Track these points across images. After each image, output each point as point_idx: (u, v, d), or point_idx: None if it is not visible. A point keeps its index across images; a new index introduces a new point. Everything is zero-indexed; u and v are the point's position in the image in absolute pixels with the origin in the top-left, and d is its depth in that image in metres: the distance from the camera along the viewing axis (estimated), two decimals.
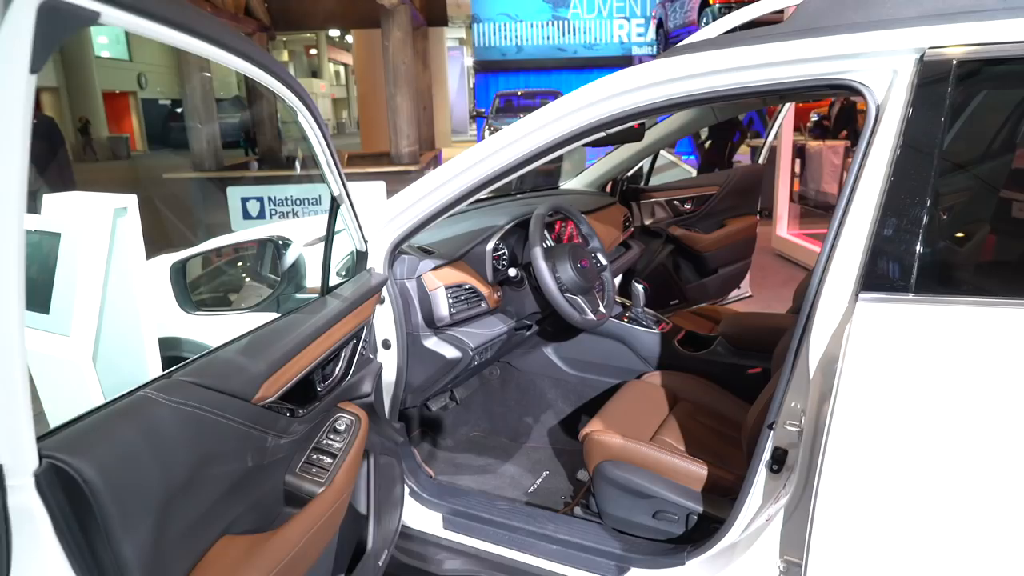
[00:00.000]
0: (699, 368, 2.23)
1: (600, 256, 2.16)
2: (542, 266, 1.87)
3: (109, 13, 0.68)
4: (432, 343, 1.84)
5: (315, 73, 37.56)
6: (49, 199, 1.92)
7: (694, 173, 5.19)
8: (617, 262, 2.78)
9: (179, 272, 1.37)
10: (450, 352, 1.84)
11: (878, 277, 1.22)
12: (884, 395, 1.17)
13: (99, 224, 1.75)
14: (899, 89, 1.26)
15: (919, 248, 1.19)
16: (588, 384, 2.42)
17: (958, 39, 1.21)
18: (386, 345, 1.79)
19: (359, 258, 1.67)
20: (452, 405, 2.50)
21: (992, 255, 1.30)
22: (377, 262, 1.74)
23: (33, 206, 1.96)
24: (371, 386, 1.52)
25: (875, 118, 1.28)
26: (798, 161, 5.95)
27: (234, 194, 4.73)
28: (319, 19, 7.64)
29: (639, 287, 2.36)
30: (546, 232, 2.29)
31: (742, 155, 8.29)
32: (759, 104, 2.92)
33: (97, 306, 1.73)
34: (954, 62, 1.21)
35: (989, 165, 1.31)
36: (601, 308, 2.05)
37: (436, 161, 11.64)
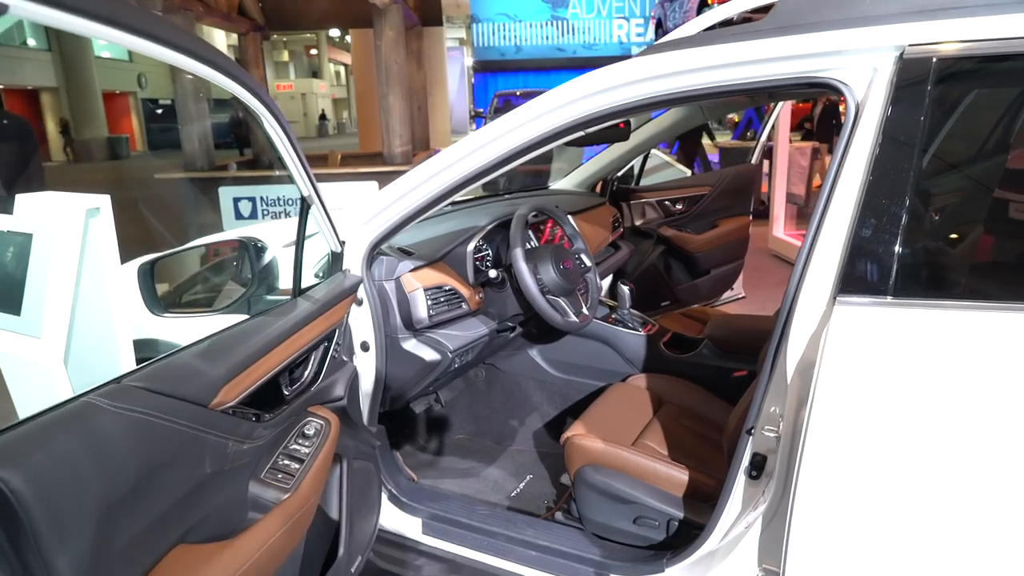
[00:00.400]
0: (685, 371, 2.20)
1: (584, 257, 2.13)
2: (523, 267, 1.84)
3: (18, 4, 0.65)
4: (411, 345, 1.82)
5: (315, 73, 37.56)
6: (22, 199, 1.89)
7: (688, 173, 5.17)
8: (605, 263, 2.75)
9: (146, 274, 1.35)
10: (429, 354, 1.81)
11: (856, 279, 1.19)
12: (861, 401, 1.14)
13: (71, 224, 1.73)
14: (879, 87, 1.23)
15: (898, 250, 1.16)
16: (573, 386, 2.40)
17: (939, 36, 1.18)
18: (364, 347, 1.76)
19: (334, 259, 1.64)
20: (437, 407, 2.47)
21: (973, 257, 1.27)
22: (354, 263, 1.71)
23: (5, 207, 1.94)
24: (344, 390, 1.50)
25: (855, 116, 1.26)
26: (766, 163, 5.93)
27: (226, 194, 4.70)
28: (313, 19, 7.62)
29: (625, 289, 2.33)
30: (531, 233, 2.26)
31: (710, 155, 8.25)
32: (748, 103, 2.89)
33: (69, 308, 1.70)
34: (934, 59, 1.18)
35: (970, 165, 1.29)
36: (584, 310, 2.03)
37: None
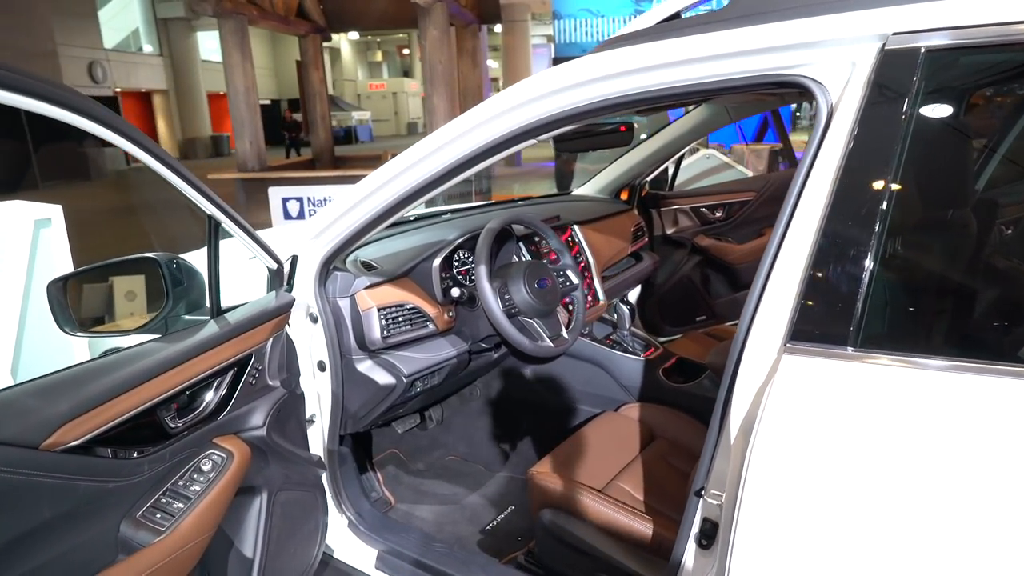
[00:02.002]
0: (683, 402, 1.98)
1: (571, 274, 1.95)
2: (485, 286, 1.68)
3: None
4: (365, 367, 1.70)
5: (407, 72, 38.38)
6: None
7: (749, 174, 4.82)
8: (622, 276, 2.54)
9: (59, 290, 1.29)
10: (383, 378, 1.69)
11: (811, 324, 0.97)
12: (802, 473, 0.93)
13: (18, 236, 1.72)
14: (855, 87, 1.00)
15: (863, 291, 0.94)
16: (568, 411, 2.22)
17: (930, 21, 0.95)
18: (321, 367, 1.66)
19: (271, 277, 1.54)
20: (430, 426, 2.35)
21: (955, 305, 1.01)
22: (306, 280, 1.62)
23: None
24: (263, 418, 1.39)
25: (825, 124, 1.03)
26: None
27: (275, 194, 4.79)
28: (372, 19, 7.66)
29: (624, 308, 2.13)
30: (522, 247, 2.10)
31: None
32: (760, 107, 2.60)
33: (15, 323, 1.70)
34: (923, 51, 0.95)
35: (961, 189, 1.03)
36: (564, 333, 1.84)
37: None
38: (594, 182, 2.88)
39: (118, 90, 21.83)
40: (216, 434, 1.29)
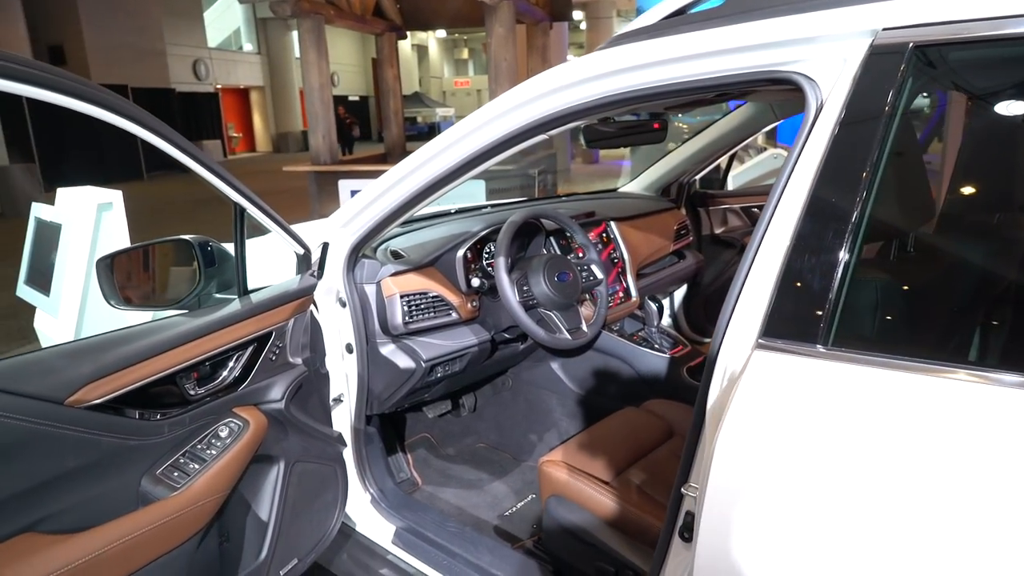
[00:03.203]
0: None
1: (595, 269, 1.97)
2: (503, 277, 1.73)
3: None
4: (388, 351, 1.78)
5: None
6: (62, 192, 2.12)
7: None
8: (661, 273, 2.53)
9: (107, 267, 1.42)
10: (403, 361, 1.77)
11: (783, 320, 0.97)
12: (762, 465, 0.93)
13: (83, 218, 1.90)
14: (843, 84, 1.00)
15: (835, 289, 0.93)
16: (594, 404, 2.23)
17: (921, 15, 0.93)
18: (349, 349, 1.76)
19: (299, 261, 1.65)
20: (463, 413, 2.42)
21: (931, 306, 0.98)
22: (336, 266, 1.71)
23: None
24: (282, 392, 1.49)
25: (812, 121, 1.03)
26: None
27: (344, 186, 4.99)
28: (447, 17, 7.79)
29: (652, 305, 2.12)
30: (553, 241, 2.13)
31: None
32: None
33: (80, 293, 1.88)
34: (910, 47, 0.93)
35: (942, 188, 1.00)
36: (583, 327, 1.87)
37: None
38: (640, 179, 2.87)
39: (219, 86, 23.13)
40: (236, 404, 1.40)
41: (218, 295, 1.51)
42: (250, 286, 1.52)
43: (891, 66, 0.93)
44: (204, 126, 21.70)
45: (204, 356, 1.30)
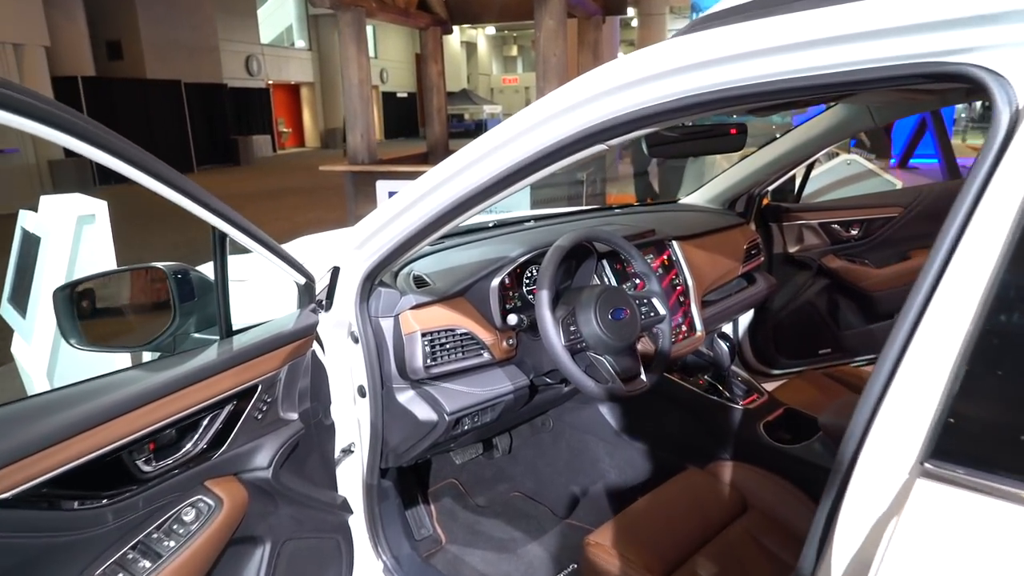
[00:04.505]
0: (787, 467, 1.62)
1: (657, 303, 1.64)
2: (546, 315, 1.42)
3: None
4: (406, 398, 1.50)
5: None
6: (45, 200, 1.89)
7: (899, 185, 4.20)
8: (729, 300, 2.19)
9: (66, 299, 1.18)
10: (423, 413, 1.48)
11: (967, 438, 0.65)
12: None
13: (62, 232, 1.67)
14: None
15: None
16: (649, 458, 1.91)
17: None
18: (361, 392, 1.49)
19: (300, 293, 1.37)
20: (496, 456, 2.13)
21: None
22: (348, 295, 1.44)
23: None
24: (270, 457, 1.22)
25: (1007, 132, 0.70)
26: None
27: (382, 187, 4.76)
28: (495, 11, 7.48)
29: (723, 345, 1.79)
30: (605, 266, 1.82)
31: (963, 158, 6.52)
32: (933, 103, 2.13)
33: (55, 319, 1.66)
34: None
35: None
36: (642, 375, 1.54)
37: None
38: (705, 190, 2.53)
39: (270, 82, 23.38)
40: (208, 476, 1.13)
41: (198, 335, 1.25)
42: (253, 317, 1.26)
43: None
44: (255, 121, 21.97)
45: (164, 423, 1.03)
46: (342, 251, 1.45)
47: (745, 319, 2.67)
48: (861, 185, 3.97)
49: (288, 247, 1.98)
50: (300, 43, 26.07)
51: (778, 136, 2.33)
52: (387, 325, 1.48)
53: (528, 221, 2.07)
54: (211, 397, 1.10)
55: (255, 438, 1.21)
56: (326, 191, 12.00)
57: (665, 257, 1.97)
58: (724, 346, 1.80)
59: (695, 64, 0.93)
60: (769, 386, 2.26)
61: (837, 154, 4.38)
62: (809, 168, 2.72)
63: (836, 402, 1.69)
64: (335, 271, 1.45)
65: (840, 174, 4.03)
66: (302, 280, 1.34)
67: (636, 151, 6.36)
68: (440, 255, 1.70)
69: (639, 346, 1.63)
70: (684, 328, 1.91)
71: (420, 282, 1.57)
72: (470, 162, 1.20)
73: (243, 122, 20.94)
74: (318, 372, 1.40)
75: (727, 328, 2.70)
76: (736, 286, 2.30)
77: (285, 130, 25.51)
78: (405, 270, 1.61)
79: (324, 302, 1.48)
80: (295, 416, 1.29)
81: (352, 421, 1.52)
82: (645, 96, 1.00)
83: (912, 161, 7.99)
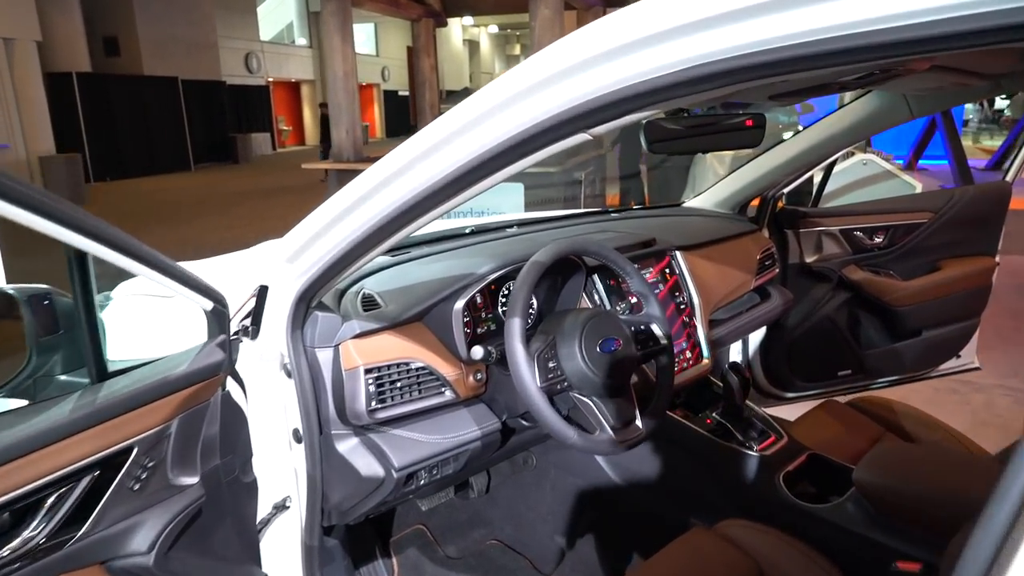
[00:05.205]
0: (812, 530, 1.34)
1: (656, 328, 1.36)
2: (517, 349, 1.15)
3: None
4: (347, 448, 1.23)
5: None
6: None
7: (919, 188, 3.92)
8: (740, 319, 1.92)
9: None
10: (367, 467, 1.21)
11: None
12: None
13: None
14: None
15: None
16: (647, 511, 1.64)
17: None
18: (297, 437, 1.22)
19: (210, 322, 1.10)
20: (471, 496, 1.86)
21: None
22: (279, 320, 1.17)
23: None
24: (152, 538, 0.95)
25: None
26: None
27: None
28: (490, 3, 7.21)
29: (734, 378, 1.52)
30: (597, 282, 1.54)
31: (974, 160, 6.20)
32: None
33: None
34: None
35: None
36: (637, 420, 1.26)
37: None
38: (712, 192, 2.25)
39: (270, 80, 23.11)
40: (63, 569, 0.86)
41: (67, 377, 0.98)
42: (187, 342, 0.99)
43: None
44: (254, 119, 21.72)
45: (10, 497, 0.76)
46: (271, 266, 1.18)
47: (756, 337, 2.40)
48: (878, 187, 3.70)
49: (254, 251, 1.71)
50: (301, 40, 25.80)
51: (785, 137, 2.06)
52: (325, 358, 1.21)
53: (510, 227, 1.80)
54: (56, 469, 0.83)
55: (130, 514, 0.94)
56: (325, 190, 11.78)
57: (667, 271, 1.70)
58: (735, 380, 1.53)
59: (703, 20, 0.66)
60: (784, 412, 1.98)
61: (852, 153, 4.10)
62: (829, 168, 2.44)
63: (873, 451, 1.40)
64: (262, 291, 1.19)
65: (856, 174, 3.75)
66: (209, 305, 1.07)
67: (624, 149, 6.01)
68: (397, 270, 1.43)
69: (634, 380, 1.36)
70: (688, 354, 1.64)
71: (369, 303, 1.30)
72: (425, 151, 0.93)
73: (242, 120, 20.70)
74: (233, 418, 1.13)
75: (736, 354, 2.42)
76: (747, 302, 2.02)
77: (285, 128, 25.26)
78: (354, 288, 1.34)
79: (250, 328, 1.21)
80: (194, 479, 1.02)
81: (287, 471, 1.25)
82: (638, 67, 0.73)
83: (920, 163, 7.74)
